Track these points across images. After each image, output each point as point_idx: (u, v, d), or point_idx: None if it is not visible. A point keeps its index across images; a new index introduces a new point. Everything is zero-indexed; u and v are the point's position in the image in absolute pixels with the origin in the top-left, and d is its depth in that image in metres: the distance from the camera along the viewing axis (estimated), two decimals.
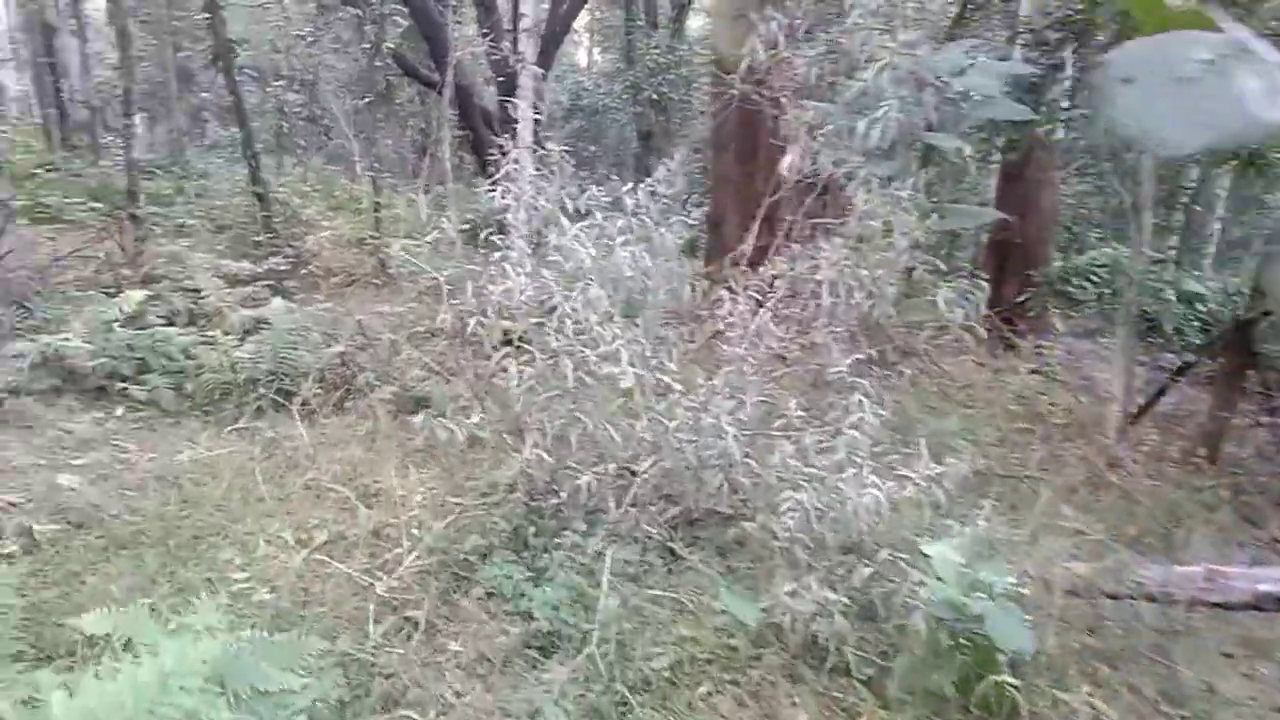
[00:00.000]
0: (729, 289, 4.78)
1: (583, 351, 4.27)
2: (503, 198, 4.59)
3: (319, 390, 6.78)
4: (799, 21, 5.84)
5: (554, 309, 4.34)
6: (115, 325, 7.02)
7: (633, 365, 4.26)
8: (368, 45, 13.58)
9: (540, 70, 9.84)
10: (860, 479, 4.12)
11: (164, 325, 7.50)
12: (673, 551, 4.71)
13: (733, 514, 4.86)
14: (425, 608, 4.20)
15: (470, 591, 4.37)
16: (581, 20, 23.82)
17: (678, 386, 4.51)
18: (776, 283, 4.79)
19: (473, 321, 4.32)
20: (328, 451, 6.00)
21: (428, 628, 4.12)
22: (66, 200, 11.65)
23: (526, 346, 4.36)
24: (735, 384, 4.59)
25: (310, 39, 16.70)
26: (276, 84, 17.92)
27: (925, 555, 3.81)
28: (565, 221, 4.44)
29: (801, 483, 4.27)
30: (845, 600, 3.82)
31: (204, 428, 6.48)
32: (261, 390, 6.73)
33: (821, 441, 4.42)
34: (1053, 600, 4.06)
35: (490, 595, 4.33)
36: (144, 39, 18.09)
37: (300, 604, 4.33)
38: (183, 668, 2.47)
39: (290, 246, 10.97)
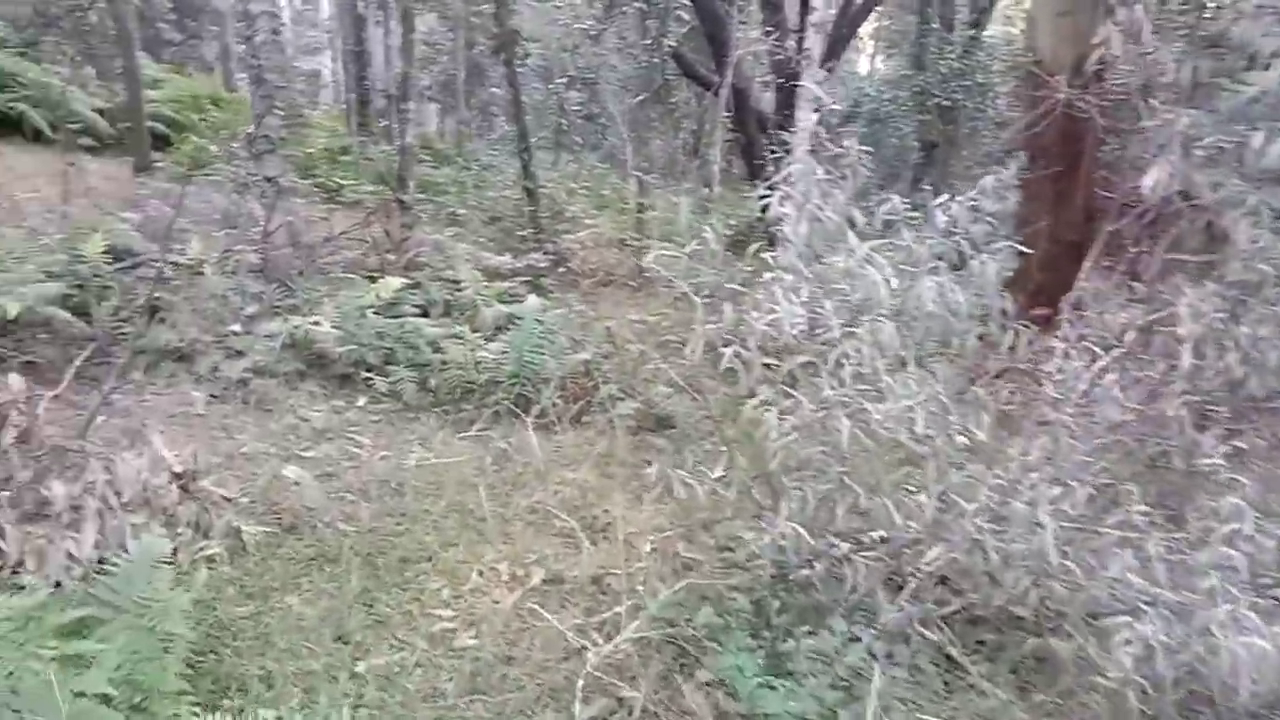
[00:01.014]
0: (1059, 336, 3.70)
1: (863, 404, 3.35)
2: (779, 205, 3.73)
3: (559, 399, 6.23)
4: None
5: (831, 346, 3.45)
6: (369, 312, 6.79)
7: (928, 429, 3.30)
8: (648, 41, 13.19)
9: (824, 71, 8.94)
10: (1237, 617, 2.96)
11: (417, 315, 7.24)
12: (950, 658, 3.70)
13: (1035, 621, 3.78)
14: (642, 690, 3.45)
15: (695, 675, 3.58)
16: (865, 26, 22.60)
17: (981, 459, 3.50)
18: (1125, 335, 3.65)
19: (729, 352, 3.51)
20: (558, 470, 5.41)
21: (642, 716, 3.38)
22: (350, 183, 11.98)
23: (792, 392, 3.50)
24: (1058, 461, 3.51)
25: (594, 34, 16.62)
26: (559, 82, 18.01)
27: None
28: (854, 239, 3.53)
29: (1143, 607, 3.16)
30: None
31: (440, 428, 6.08)
32: (501, 394, 6.26)
33: (1176, 554, 3.28)
34: None
35: (718, 686, 3.51)
36: (442, 33, 18.67)
37: (504, 658, 3.70)
38: None
39: (552, 243, 10.67)
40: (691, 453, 5.71)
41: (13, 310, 5.29)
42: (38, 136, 12.75)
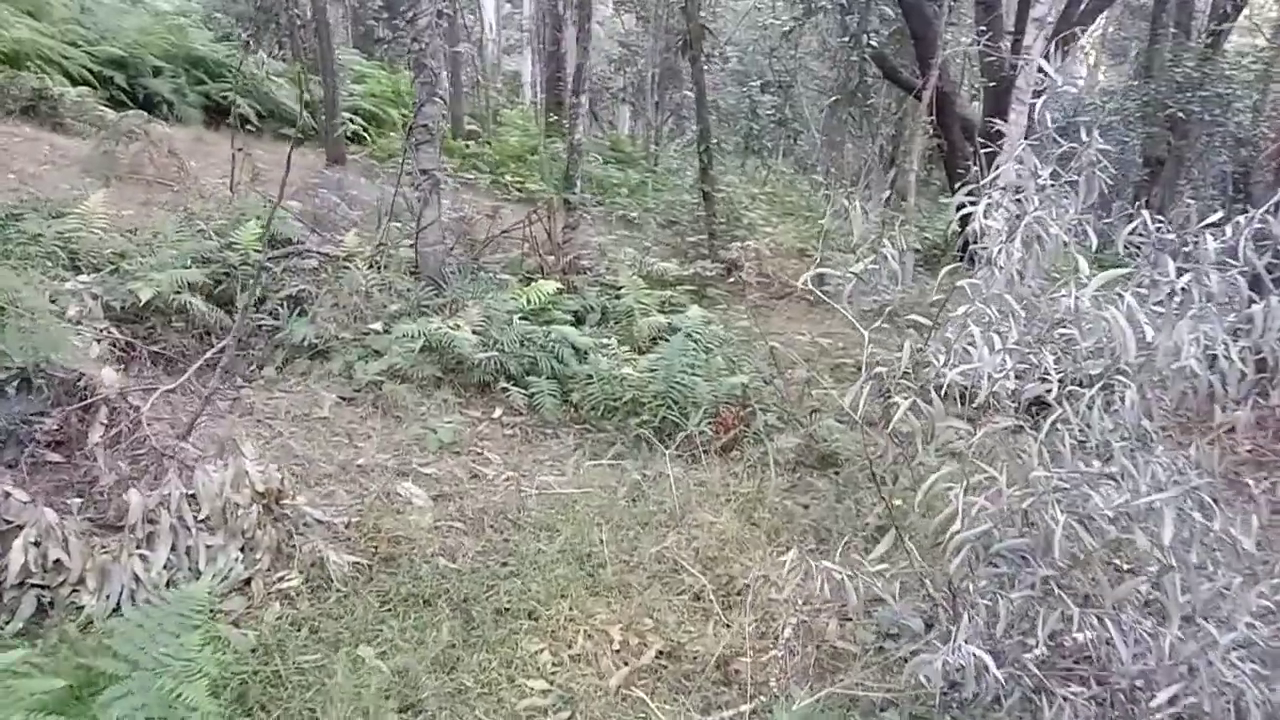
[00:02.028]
0: None
1: (1086, 491, 2.41)
2: (983, 217, 2.81)
3: (707, 427, 5.46)
4: None
5: (1044, 407, 2.53)
6: (516, 317, 6.24)
7: (1175, 530, 2.33)
8: (846, 39, 12.19)
9: (1044, 73, 7.76)
10: None
11: (569, 323, 6.64)
12: None
13: None
14: None
15: None
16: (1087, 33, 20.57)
17: (1244, 574, 2.49)
18: None
19: (904, 404, 2.64)
20: (696, 512, 4.64)
21: None
22: (523, 182, 11.63)
23: (986, 469, 2.59)
24: None
25: (789, 32, 15.76)
26: (752, 84, 17.21)
27: None
28: (1084, 266, 2.58)
29: None
30: None
31: (574, 449, 5.44)
32: (645, 416, 5.55)
33: None
34: None
35: None
36: (640, 34, 18.26)
37: None
38: None
39: (724, 249, 9.91)
40: (856, 504, 4.82)
41: (145, 295, 5.02)
42: (244, 125, 13.15)
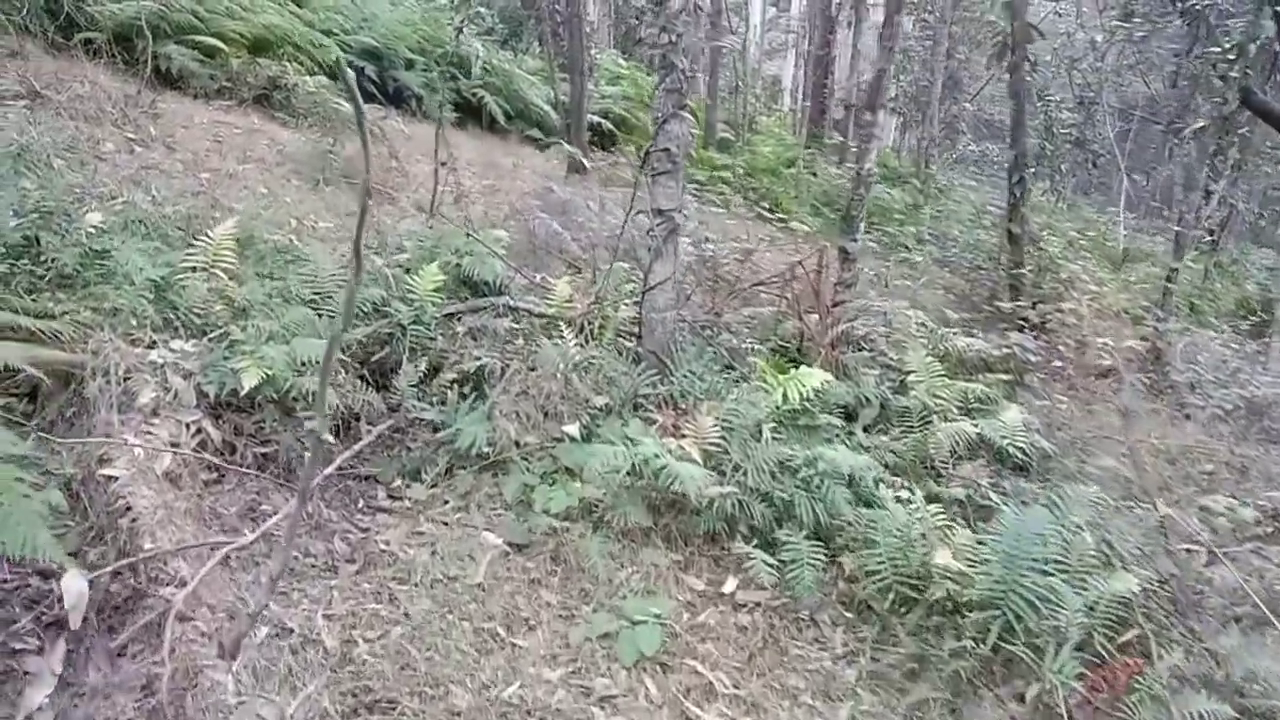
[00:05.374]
0: None
1: None
2: None
3: (1079, 675, 3.11)
4: None
5: None
6: (763, 424, 4.11)
7: None
8: (1191, 53, 9.13)
9: None
10: None
11: (838, 433, 4.46)
12: None
13: None
14: None
15: None
16: None
17: None
18: None
19: None
20: None
21: None
22: (791, 205, 9.46)
23: None
24: None
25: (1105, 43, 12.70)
26: (1049, 98, 14.11)
27: None
28: None
29: None
30: None
31: (846, 664, 3.27)
32: (968, 630, 3.30)
33: None
34: None
35: None
36: (917, 37, 15.59)
37: None
38: None
39: (1034, 313, 7.34)
40: None
41: (249, 381, 3.30)
42: (492, 125, 11.80)
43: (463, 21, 7.41)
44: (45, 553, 2.00)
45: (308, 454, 3.08)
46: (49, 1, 6.54)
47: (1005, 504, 4.13)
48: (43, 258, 3.51)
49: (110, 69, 7.02)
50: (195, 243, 4.06)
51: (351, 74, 1.90)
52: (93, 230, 3.74)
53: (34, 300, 3.35)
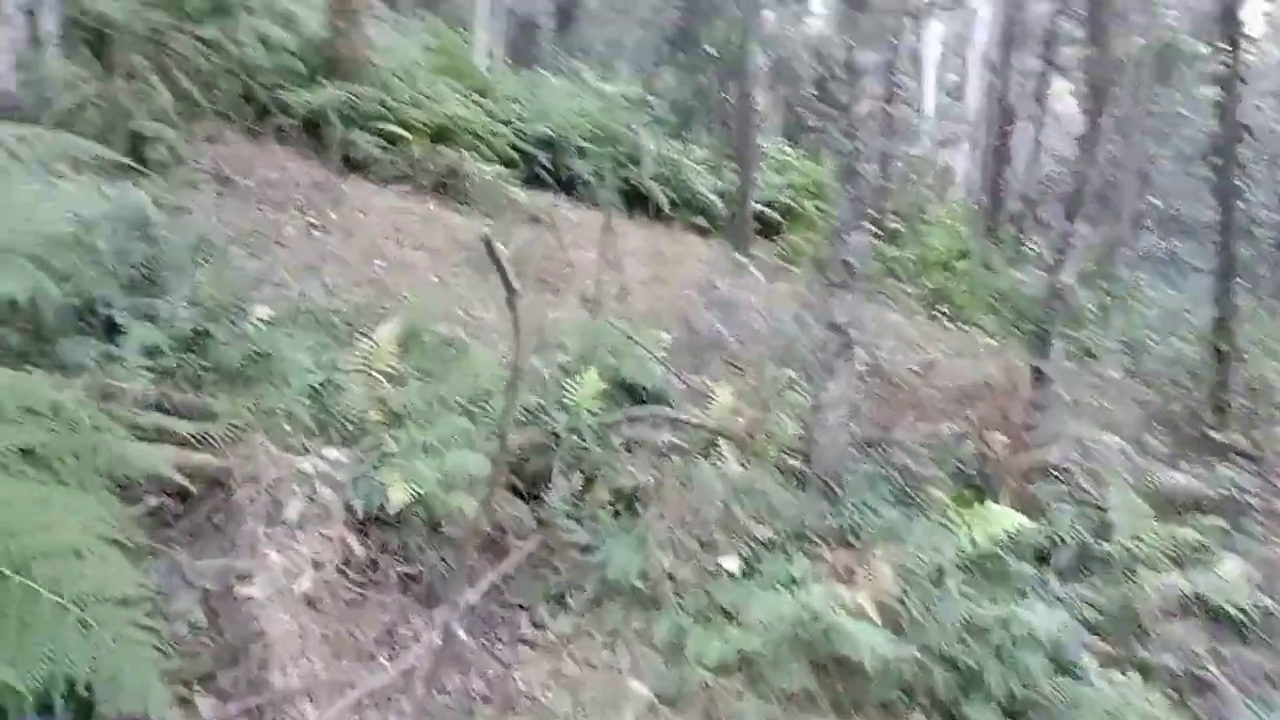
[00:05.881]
0: None
1: None
2: None
3: None
4: None
5: None
6: (947, 573, 3.62)
7: None
8: None
9: None
10: None
11: (1032, 584, 3.90)
12: None
13: None
14: None
15: None
16: None
17: None
18: None
19: None
20: None
21: None
22: (953, 303, 8.89)
23: None
24: None
25: None
26: (1247, 198, 12.90)
27: None
28: None
29: None
30: None
31: None
32: None
33: None
34: None
35: None
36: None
37: None
38: None
39: (1247, 441, 6.48)
40: None
41: (397, 497, 3.12)
42: (658, 212, 11.77)
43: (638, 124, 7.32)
44: (156, 710, 1.82)
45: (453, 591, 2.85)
46: (246, 89, 6.92)
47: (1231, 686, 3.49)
48: (209, 352, 3.50)
49: (299, 155, 7.34)
50: (359, 338, 4.00)
51: (500, 248, 1.69)
52: (259, 324, 3.73)
53: (196, 395, 3.33)
